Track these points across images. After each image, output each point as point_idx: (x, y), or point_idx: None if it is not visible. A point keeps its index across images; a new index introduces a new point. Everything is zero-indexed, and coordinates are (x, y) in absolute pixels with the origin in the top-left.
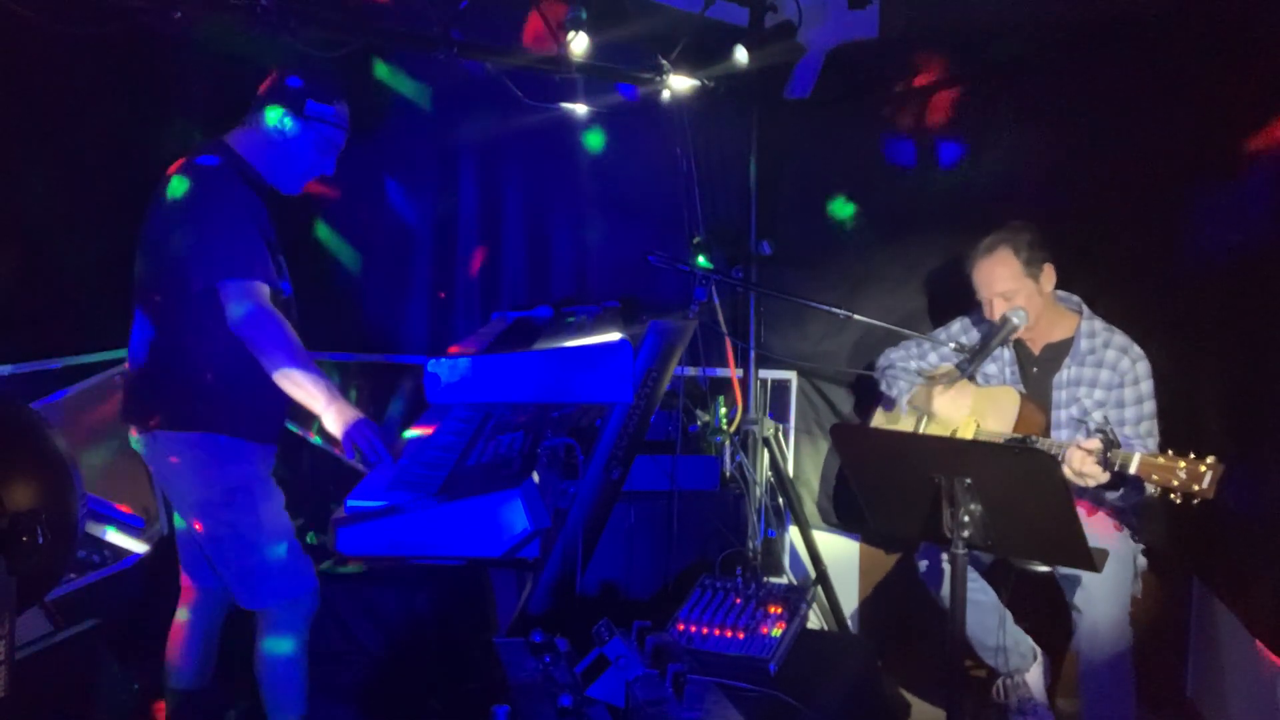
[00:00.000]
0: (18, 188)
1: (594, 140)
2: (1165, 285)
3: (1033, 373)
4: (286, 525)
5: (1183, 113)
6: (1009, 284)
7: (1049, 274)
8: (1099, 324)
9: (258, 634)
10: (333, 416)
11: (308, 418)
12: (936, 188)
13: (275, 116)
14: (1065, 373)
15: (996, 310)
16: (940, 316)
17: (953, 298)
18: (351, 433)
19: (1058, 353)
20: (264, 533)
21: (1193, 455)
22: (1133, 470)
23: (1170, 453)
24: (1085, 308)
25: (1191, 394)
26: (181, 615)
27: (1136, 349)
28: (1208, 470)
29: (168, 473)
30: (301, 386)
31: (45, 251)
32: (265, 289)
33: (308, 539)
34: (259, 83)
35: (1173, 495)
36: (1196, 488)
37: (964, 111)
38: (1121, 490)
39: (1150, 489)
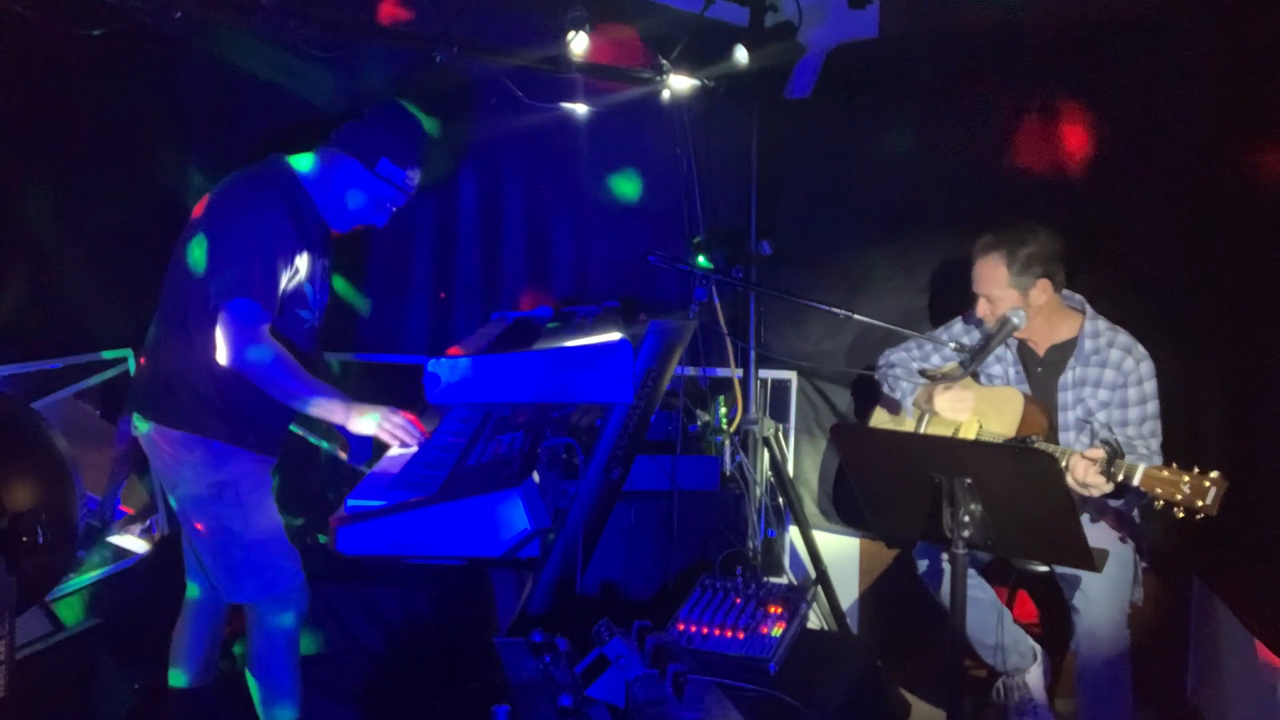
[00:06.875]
0: (17, 188)
1: (594, 140)
2: (1166, 285)
3: (1037, 374)
4: (275, 522)
5: (1184, 112)
6: (993, 289)
7: (1043, 288)
8: (1103, 324)
9: (247, 632)
10: (356, 420)
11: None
12: (936, 188)
13: (345, 160)
14: (1070, 373)
15: (981, 309)
16: (940, 316)
17: (953, 298)
18: (385, 425)
19: (1062, 354)
20: (250, 528)
21: (1197, 470)
22: (1136, 482)
23: (1175, 466)
24: (1089, 307)
25: (1191, 393)
26: (184, 614)
27: (1140, 349)
28: (1211, 486)
29: (161, 465)
30: (316, 406)
31: (45, 252)
32: (265, 321)
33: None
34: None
35: (1175, 510)
36: (1200, 504)
37: (963, 111)
38: (1124, 498)
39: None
